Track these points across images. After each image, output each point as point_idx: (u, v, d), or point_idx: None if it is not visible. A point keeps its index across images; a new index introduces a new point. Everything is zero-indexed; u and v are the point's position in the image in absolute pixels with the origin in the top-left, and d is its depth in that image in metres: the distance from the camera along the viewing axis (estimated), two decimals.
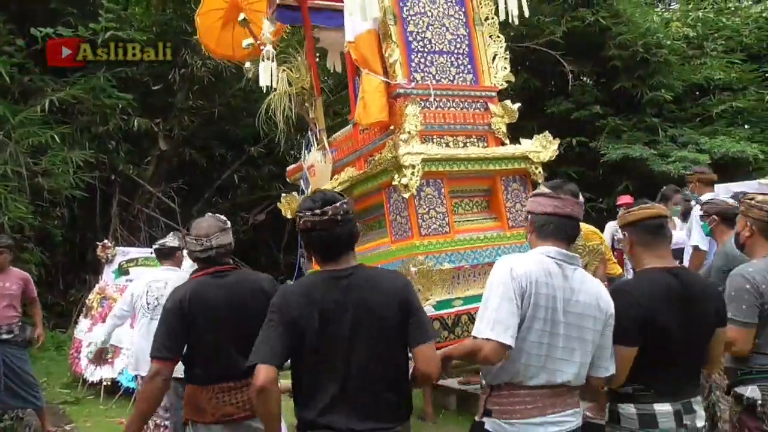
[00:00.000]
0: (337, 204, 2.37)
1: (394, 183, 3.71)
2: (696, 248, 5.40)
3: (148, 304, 4.89)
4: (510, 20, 4.22)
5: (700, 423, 2.57)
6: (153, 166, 12.11)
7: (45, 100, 9.07)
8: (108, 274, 7.98)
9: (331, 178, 4.58)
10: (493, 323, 2.29)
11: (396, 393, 2.37)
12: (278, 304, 2.37)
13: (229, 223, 3.23)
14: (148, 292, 4.94)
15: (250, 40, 4.86)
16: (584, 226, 3.83)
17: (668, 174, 11.95)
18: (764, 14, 14.43)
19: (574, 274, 2.42)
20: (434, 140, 3.90)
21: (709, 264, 4.42)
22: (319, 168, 4.70)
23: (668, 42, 13.31)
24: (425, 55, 4.05)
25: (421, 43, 4.06)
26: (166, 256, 5.11)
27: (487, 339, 2.29)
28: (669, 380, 2.53)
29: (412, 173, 3.58)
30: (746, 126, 13.58)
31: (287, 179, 5.57)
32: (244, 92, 11.74)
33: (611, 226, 6.14)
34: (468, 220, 3.93)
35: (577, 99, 13.50)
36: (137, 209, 11.87)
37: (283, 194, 5.22)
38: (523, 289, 2.32)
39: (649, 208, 2.65)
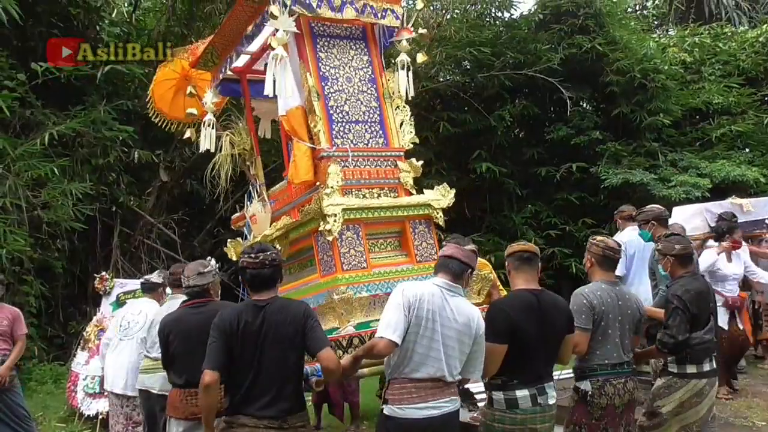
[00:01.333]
0: (268, 253, 3.34)
1: (320, 229, 4.51)
2: None
3: (120, 326, 5.63)
4: (405, 96, 5.13)
5: (552, 401, 3.48)
6: (154, 197, 12.15)
7: (45, 133, 9.14)
8: (106, 306, 7.87)
9: (270, 225, 5.29)
10: (386, 326, 3.20)
11: (292, 388, 3.28)
12: (217, 324, 3.30)
13: (209, 267, 4.17)
14: (123, 317, 5.70)
15: (194, 110, 5.87)
16: (479, 260, 4.78)
17: (670, 198, 11.91)
18: (761, 39, 14.54)
19: (453, 300, 3.32)
20: (353, 193, 4.77)
21: None
22: (259, 217, 5.48)
23: (665, 67, 13.42)
24: (344, 124, 4.94)
25: (340, 114, 4.94)
26: (149, 290, 5.70)
27: (381, 337, 3.20)
28: (529, 372, 3.43)
29: (334, 221, 4.40)
30: (746, 149, 13.59)
31: (232, 227, 6.37)
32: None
33: None
34: (383, 257, 4.78)
35: (576, 125, 13.55)
36: (138, 240, 11.87)
37: (229, 240, 5.99)
38: (410, 304, 3.21)
39: (521, 244, 3.67)
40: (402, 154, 5.12)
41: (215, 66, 5.80)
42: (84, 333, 7.76)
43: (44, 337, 10.07)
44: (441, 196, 4.99)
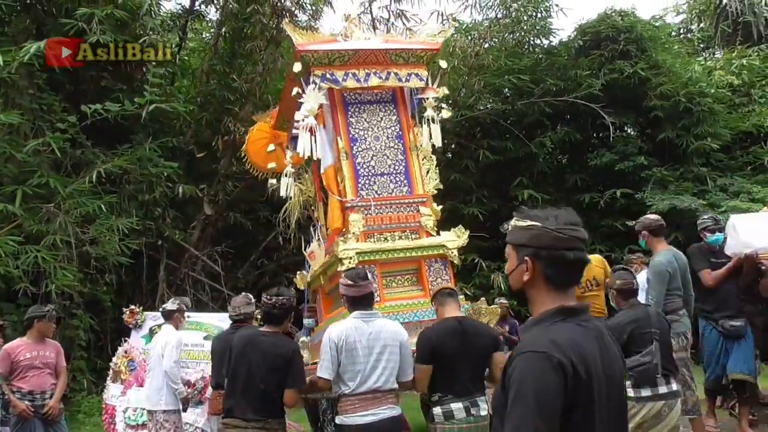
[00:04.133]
0: (281, 298, 4.25)
1: (338, 269, 5.04)
2: None
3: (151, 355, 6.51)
4: (434, 146, 5.79)
5: (484, 412, 3.99)
6: (198, 230, 12.40)
7: (94, 171, 9.48)
8: (136, 339, 7.97)
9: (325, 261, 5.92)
10: (321, 368, 4.01)
11: (274, 400, 4.11)
12: (220, 348, 4.94)
13: (252, 299, 5.47)
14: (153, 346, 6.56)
15: (273, 164, 6.89)
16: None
17: None
18: None
19: (372, 323, 4.03)
20: (375, 237, 5.44)
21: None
22: (316, 254, 6.22)
23: (712, 90, 13.08)
24: (369, 177, 5.66)
25: (366, 169, 5.66)
26: (166, 317, 6.32)
27: (319, 377, 4.02)
28: (459, 387, 4.01)
29: (348, 263, 5.01)
30: None
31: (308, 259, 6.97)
32: None
33: None
34: (399, 291, 5.37)
35: (620, 150, 13.31)
36: (184, 273, 12.11)
37: (298, 272, 6.82)
38: (336, 343, 3.93)
39: (443, 286, 4.64)
40: (425, 200, 5.65)
41: (288, 126, 6.49)
42: (113, 365, 7.82)
43: (93, 370, 10.31)
44: (456, 237, 5.47)
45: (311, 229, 6.74)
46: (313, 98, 5.37)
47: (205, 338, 7.96)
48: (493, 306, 5.56)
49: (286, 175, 6.35)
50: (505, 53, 13.72)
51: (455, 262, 5.47)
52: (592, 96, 12.94)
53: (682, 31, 18.21)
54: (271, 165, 6.85)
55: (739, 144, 13.86)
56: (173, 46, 13.25)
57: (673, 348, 5.06)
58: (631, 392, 4.11)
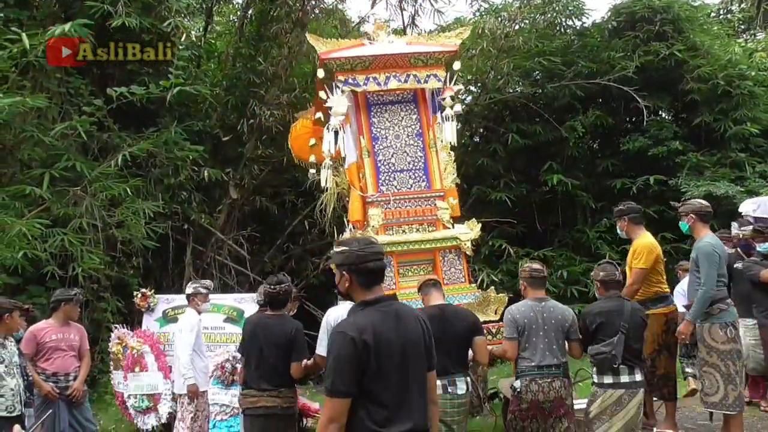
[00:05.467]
0: (282, 285, 4.79)
1: None
2: None
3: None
4: (452, 143, 6.19)
5: (461, 390, 4.47)
6: (224, 214, 12.40)
7: (119, 155, 9.49)
8: (150, 322, 7.98)
9: None
10: (320, 347, 4.59)
11: (283, 371, 4.65)
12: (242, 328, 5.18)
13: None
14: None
15: (314, 157, 7.41)
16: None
17: None
18: None
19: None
20: (393, 230, 5.88)
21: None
22: None
23: (752, 73, 12.61)
24: (390, 173, 6.14)
25: (387, 165, 6.15)
26: (188, 301, 6.45)
27: (317, 354, 4.61)
28: (440, 367, 3.87)
29: None
30: None
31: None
32: None
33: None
34: (414, 280, 5.61)
35: (654, 135, 12.95)
36: (210, 257, 12.14)
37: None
38: (332, 325, 4.29)
39: (427, 277, 5.09)
40: (442, 194, 6.10)
41: (325, 122, 6.79)
42: (110, 352, 7.77)
43: None
44: (469, 230, 5.88)
45: (345, 218, 7.16)
46: (338, 103, 5.91)
47: (225, 321, 7.95)
48: (500, 295, 5.78)
49: (324, 167, 6.75)
50: (536, 35, 13.39)
51: (468, 253, 5.92)
52: (625, 79, 12.56)
53: (721, 11, 17.57)
54: (312, 159, 7.41)
55: None
56: (199, 29, 13.25)
57: (697, 340, 4.96)
58: (595, 378, 4.60)
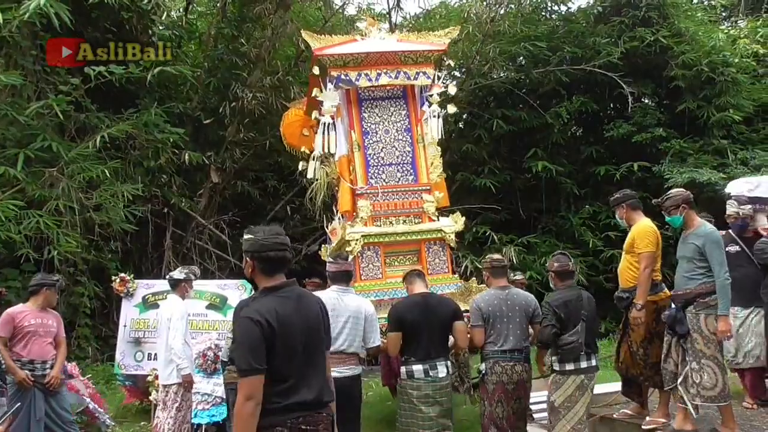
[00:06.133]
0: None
1: (346, 249, 5.86)
2: None
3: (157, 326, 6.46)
4: (438, 138, 6.37)
5: (442, 374, 4.63)
6: (205, 198, 12.20)
7: (98, 136, 9.24)
8: (129, 309, 7.77)
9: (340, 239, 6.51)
10: None
11: None
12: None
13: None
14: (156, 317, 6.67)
15: (305, 148, 7.65)
16: None
17: None
18: None
19: (345, 297, 4.68)
20: (381, 221, 6.10)
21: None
22: (337, 231, 6.85)
23: (736, 60, 12.62)
24: (379, 167, 6.34)
25: (376, 159, 6.36)
26: (173, 286, 6.05)
27: None
28: (421, 352, 4.61)
29: (355, 244, 5.80)
30: None
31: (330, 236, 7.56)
32: None
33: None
34: (399, 269, 5.79)
35: (637, 121, 12.94)
36: (190, 242, 11.94)
37: (323, 245, 7.64)
38: None
39: (412, 268, 5.26)
40: (429, 188, 6.32)
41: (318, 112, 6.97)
42: None
43: (98, 337, 10.22)
44: (453, 223, 6.09)
45: (334, 208, 7.34)
46: (329, 98, 6.12)
47: (207, 307, 7.79)
48: (482, 285, 5.81)
49: (313, 159, 6.97)
50: (522, 19, 13.29)
51: (452, 245, 6.15)
52: (610, 65, 12.53)
53: None
54: (303, 149, 7.60)
55: (761, 116, 13.42)
56: (180, 10, 12.95)
57: (691, 331, 4.77)
58: (556, 366, 4.76)
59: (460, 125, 14.87)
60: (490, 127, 13.42)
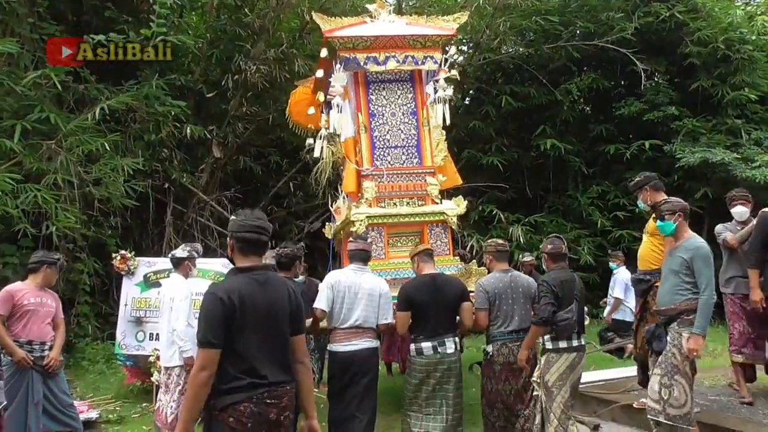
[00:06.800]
0: (286, 249, 5.35)
1: (351, 229, 5.98)
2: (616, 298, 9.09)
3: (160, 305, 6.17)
4: (444, 124, 6.45)
5: (450, 350, 4.82)
6: (207, 174, 11.91)
7: (97, 108, 8.94)
8: (130, 287, 7.50)
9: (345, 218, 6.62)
10: (318, 301, 4.82)
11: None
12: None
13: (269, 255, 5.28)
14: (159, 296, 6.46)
15: (311, 125, 7.73)
16: None
17: (754, 180, 10.96)
18: None
19: (362, 276, 4.93)
20: (386, 203, 6.21)
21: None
22: (341, 209, 7.03)
23: (753, 38, 12.29)
24: (384, 149, 6.41)
25: (382, 141, 6.43)
26: (175, 265, 5.84)
27: (317, 308, 4.82)
28: (429, 330, 4.81)
29: (360, 224, 5.88)
30: None
31: (334, 214, 7.67)
32: None
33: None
34: (403, 251, 6.05)
35: (649, 99, 12.66)
36: (191, 218, 11.68)
37: (327, 223, 7.72)
38: (331, 284, 4.83)
39: (423, 246, 5.31)
40: (433, 170, 6.39)
41: (323, 92, 7.02)
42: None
43: (98, 315, 10.01)
44: (456, 206, 6.16)
45: (339, 187, 7.33)
46: (338, 79, 6.22)
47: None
48: (481, 268, 5.87)
49: (320, 138, 7.08)
50: None
51: (454, 227, 6.27)
52: (623, 41, 12.21)
53: None
54: (310, 126, 7.67)
55: None
56: None
57: (670, 345, 4.49)
58: (549, 345, 4.78)
59: (467, 101, 14.56)
60: (498, 104, 13.12)
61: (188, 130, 10.58)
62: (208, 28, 11.82)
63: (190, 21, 12.27)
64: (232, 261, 3.24)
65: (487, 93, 13.60)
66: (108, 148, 8.90)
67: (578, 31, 12.71)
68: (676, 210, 4.68)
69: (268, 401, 2.95)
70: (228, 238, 3.20)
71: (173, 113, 10.15)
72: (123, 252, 7.59)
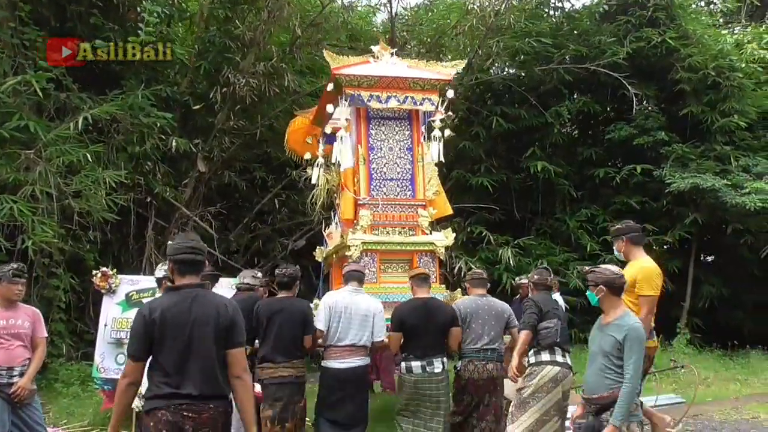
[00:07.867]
0: (288, 270, 5.39)
1: (347, 254, 6.31)
2: None
3: None
4: (437, 160, 7.00)
5: (437, 369, 5.22)
6: (191, 188, 11.55)
7: (80, 117, 8.58)
8: (110, 306, 7.04)
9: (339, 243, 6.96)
10: (318, 322, 5.25)
11: (296, 347, 5.21)
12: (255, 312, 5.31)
13: (258, 275, 6.18)
14: None
15: (308, 154, 8.08)
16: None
17: (743, 207, 10.97)
18: None
19: (357, 296, 5.36)
20: (379, 231, 6.61)
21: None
22: (333, 235, 7.33)
23: (742, 65, 12.37)
24: (381, 181, 6.84)
25: (379, 173, 6.87)
26: (158, 284, 5.76)
27: (316, 328, 5.22)
28: (419, 350, 5.22)
29: (354, 249, 6.25)
30: None
31: (326, 239, 7.84)
32: (286, 114, 11.16)
33: None
34: (393, 276, 6.57)
35: (639, 124, 12.67)
36: (173, 233, 11.28)
37: (318, 247, 7.86)
38: (328, 305, 5.27)
39: (418, 270, 5.78)
40: (424, 203, 6.83)
41: (322, 124, 7.53)
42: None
43: (73, 333, 9.55)
44: (444, 238, 6.62)
45: (332, 213, 7.71)
46: (343, 114, 6.78)
47: None
48: (465, 296, 6.13)
49: (317, 165, 7.56)
50: (525, 14, 12.86)
51: (441, 258, 6.77)
52: (614, 65, 12.20)
53: (702, 3, 17.38)
54: (307, 156, 8.07)
55: (763, 123, 13.22)
56: None
57: None
58: (532, 359, 5.01)
59: (456, 121, 14.42)
60: (489, 125, 13.02)
61: (173, 143, 10.23)
62: (196, 39, 11.54)
63: (177, 31, 11.98)
64: (172, 282, 3.44)
65: (477, 113, 13.49)
66: (90, 159, 8.55)
67: (570, 54, 12.68)
68: (598, 283, 4.17)
69: (185, 413, 3.15)
70: (168, 261, 3.45)
71: (159, 125, 9.82)
72: (104, 269, 7.16)
